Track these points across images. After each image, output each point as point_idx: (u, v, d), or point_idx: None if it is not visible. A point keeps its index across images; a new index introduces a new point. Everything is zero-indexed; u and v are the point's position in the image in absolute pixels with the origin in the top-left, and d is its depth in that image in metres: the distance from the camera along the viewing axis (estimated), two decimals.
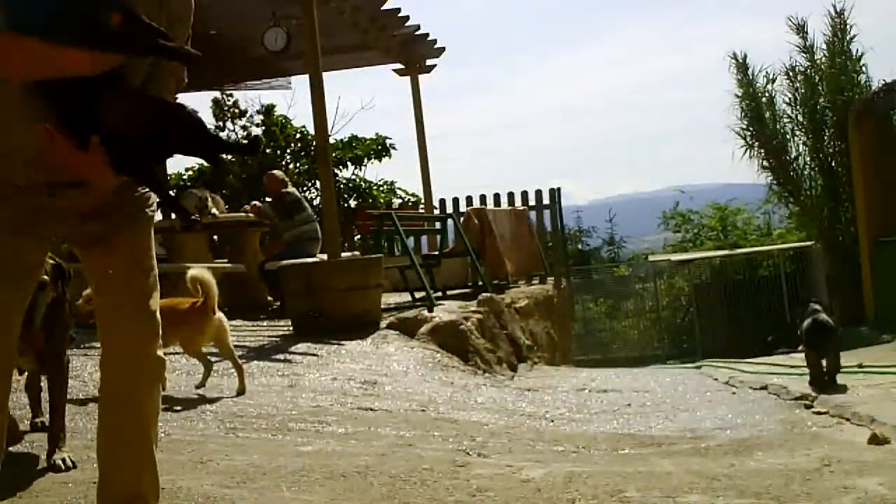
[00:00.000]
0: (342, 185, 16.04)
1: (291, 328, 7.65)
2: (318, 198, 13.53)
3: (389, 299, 9.09)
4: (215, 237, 11.27)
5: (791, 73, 15.22)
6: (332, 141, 14.22)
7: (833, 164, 14.59)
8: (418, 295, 9.09)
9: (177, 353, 5.66)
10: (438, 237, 11.08)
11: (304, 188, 15.70)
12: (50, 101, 1.91)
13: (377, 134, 17.03)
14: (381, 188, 16.93)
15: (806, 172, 15.12)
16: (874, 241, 12.42)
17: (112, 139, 1.91)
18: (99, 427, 2.29)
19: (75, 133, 1.92)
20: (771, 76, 15.57)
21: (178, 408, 4.70)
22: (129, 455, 2.25)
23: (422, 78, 12.85)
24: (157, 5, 2.05)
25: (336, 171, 15.35)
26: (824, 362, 5.83)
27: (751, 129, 15.55)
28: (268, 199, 9.69)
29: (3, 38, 1.82)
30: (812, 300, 6.59)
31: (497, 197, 13.43)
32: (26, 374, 3.87)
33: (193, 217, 2.03)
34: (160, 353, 2.32)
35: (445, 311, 8.03)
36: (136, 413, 2.25)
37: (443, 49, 12.60)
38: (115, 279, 2.24)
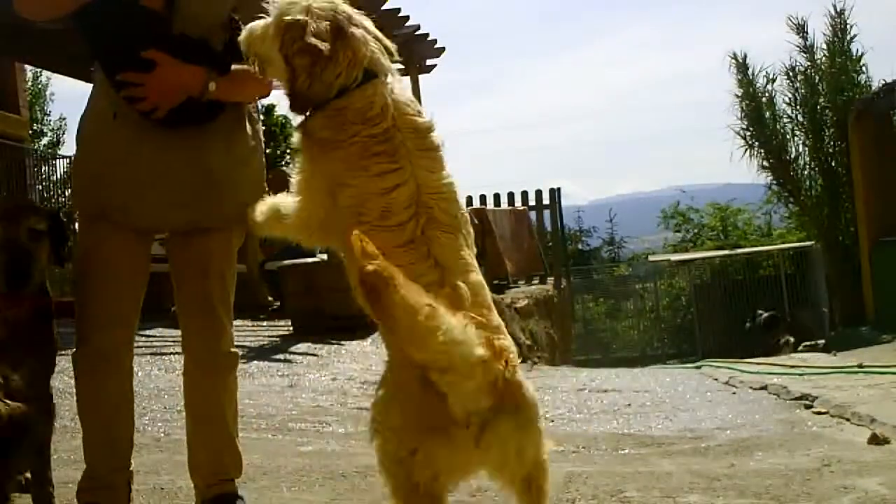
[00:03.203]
0: None
1: (291, 328, 7.65)
2: None
3: None
4: None
5: (791, 73, 15.21)
6: None
7: (833, 164, 14.57)
8: None
9: (176, 354, 5.66)
10: None
11: None
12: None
13: None
14: None
15: (806, 172, 15.10)
16: (874, 242, 12.41)
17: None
18: (185, 414, 2.61)
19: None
20: (771, 76, 15.57)
21: (179, 408, 4.69)
22: (209, 436, 2.57)
23: (422, 78, 12.83)
24: None
25: None
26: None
27: (751, 129, 15.53)
28: None
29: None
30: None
31: (497, 197, 13.42)
32: None
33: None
34: (232, 349, 2.57)
35: None
36: (210, 401, 2.55)
37: (443, 49, 12.57)
38: (187, 276, 2.53)
